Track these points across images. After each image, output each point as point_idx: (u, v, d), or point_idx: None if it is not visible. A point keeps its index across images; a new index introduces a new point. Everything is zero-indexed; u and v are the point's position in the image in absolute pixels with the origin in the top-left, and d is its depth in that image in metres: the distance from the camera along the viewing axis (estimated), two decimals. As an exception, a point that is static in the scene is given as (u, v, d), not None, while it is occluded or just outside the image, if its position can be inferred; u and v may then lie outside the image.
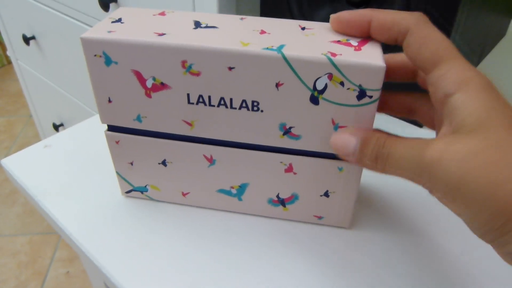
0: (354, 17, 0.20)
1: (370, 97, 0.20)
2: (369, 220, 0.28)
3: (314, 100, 0.21)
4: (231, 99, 0.22)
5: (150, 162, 0.26)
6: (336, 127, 0.22)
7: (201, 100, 0.22)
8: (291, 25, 0.23)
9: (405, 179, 0.18)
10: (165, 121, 0.24)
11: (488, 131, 0.15)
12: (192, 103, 0.22)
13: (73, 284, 1.04)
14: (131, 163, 0.26)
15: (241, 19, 0.23)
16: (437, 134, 0.20)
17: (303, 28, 0.23)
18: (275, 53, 0.20)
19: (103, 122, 0.25)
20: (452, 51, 0.17)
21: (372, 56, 0.20)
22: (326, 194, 0.25)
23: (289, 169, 0.24)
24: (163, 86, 0.22)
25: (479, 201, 0.15)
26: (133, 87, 0.23)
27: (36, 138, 1.50)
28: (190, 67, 0.21)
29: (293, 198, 0.26)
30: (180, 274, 0.24)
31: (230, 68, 0.21)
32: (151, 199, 0.28)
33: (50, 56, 0.92)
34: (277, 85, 0.21)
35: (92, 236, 0.26)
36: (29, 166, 0.32)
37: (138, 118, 0.24)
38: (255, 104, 0.22)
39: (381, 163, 0.19)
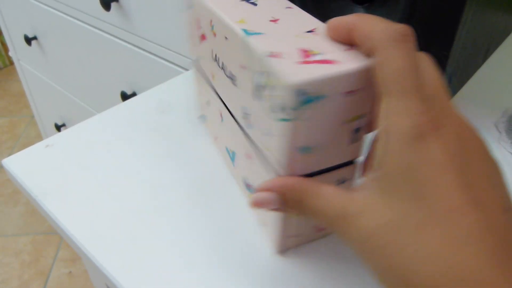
0: (339, 24, 0.18)
1: (288, 114, 0.18)
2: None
3: (256, 95, 0.21)
4: (223, 63, 0.25)
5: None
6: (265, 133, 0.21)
7: (215, 58, 0.26)
8: (303, 16, 0.22)
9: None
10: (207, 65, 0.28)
11: (392, 170, 0.14)
12: (214, 60, 0.26)
13: (75, 284, 1.04)
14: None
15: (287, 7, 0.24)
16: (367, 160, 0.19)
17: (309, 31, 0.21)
18: (245, 36, 0.21)
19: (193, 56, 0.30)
20: (397, 86, 0.15)
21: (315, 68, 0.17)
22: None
23: (250, 155, 0.24)
24: (203, 37, 0.27)
25: (383, 265, 0.14)
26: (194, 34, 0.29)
27: (39, 138, 1.50)
28: (213, 27, 0.25)
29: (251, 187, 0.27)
30: (184, 273, 0.24)
31: (226, 38, 0.23)
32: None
33: (52, 57, 0.92)
34: (241, 66, 0.22)
35: (94, 237, 0.26)
36: (30, 166, 0.32)
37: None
38: (233, 77, 0.24)
39: (300, 213, 0.18)
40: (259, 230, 0.26)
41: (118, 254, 0.25)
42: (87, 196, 0.29)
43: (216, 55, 0.25)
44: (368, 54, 0.17)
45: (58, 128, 1.08)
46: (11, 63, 1.90)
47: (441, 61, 0.32)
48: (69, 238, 0.27)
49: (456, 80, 0.37)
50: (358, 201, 0.15)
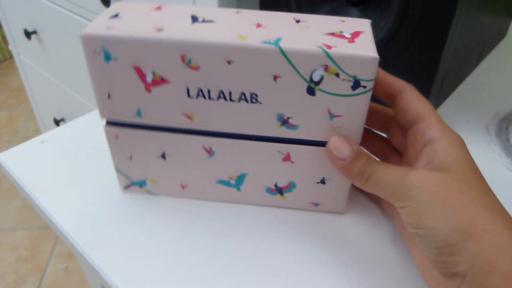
0: (392, 81, 0.24)
1: (364, 87, 0.21)
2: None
3: (311, 91, 0.22)
4: (230, 92, 0.22)
5: (150, 156, 0.26)
6: (332, 116, 0.23)
7: (200, 93, 0.23)
8: (286, 18, 0.23)
9: (380, 196, 0.22)
10: (165, 115, 0.24)
11: (461, 171, 0.20)
12: (192, 97, 0.23)
13: (72, 279, 1.04)
14: (130, 157, 0.26)
15: (237, 12, 0.24)
16: (404, 160, 0.25)
17: (297, 21, 0.23)
18: (272, 46, 0.21)
19: (102, 117, 0.25)
20: (433, 110, 0.23)
21: (365, 48, 0.21)
22: (323, 181, 0.26)
23: (287, 158, 0.25)
24: (162, 80, 0.22)
25: (446, 216, 0.19)
26: (133, 82, 0.23)
27: (37, 133, 1.50)
28: (189, 61, 0.21)
29: (291, 186, 0.26)
30: (180, 273, 0.24)
31: (229, 62, 0.21)
32: (150, 193, 0.28)
33: (52, 51, 0.92)
34: (275, 77, 0.21)
35: (88, 235, 0.26)
36: (25, 162, 0.32)
37: (138, 113, 0.24)
38: (254, 96, 0.22)
39: (364, 178, 0.22)
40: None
41: (112, 251, 0.25)
42: (82, 193, 0.29)
43: (199, 90, 0.22)
44: (391, 94, 0.24)
45: (57, 123, 1.09)
46: (11, 56, 1.90)
47: (433, 64, 0.32)
48: (64, 236, 0.27)
49: (448, 83, 0.38)
50: (423, 171, 0.21)
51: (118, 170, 0.27)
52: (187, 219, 0.27)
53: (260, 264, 0.24)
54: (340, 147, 0.23)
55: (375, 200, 0.29)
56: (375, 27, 0.33)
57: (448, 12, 0.29)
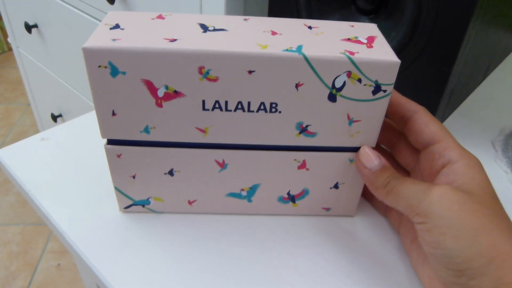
0: (405, 104, 0.25)
1: (384, 91, 0.22)
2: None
3: (332, 98, 0.22)
4: (249, 103, 0.22)
5: (155, 173, 0.25)
6: (351, 121, 0.23)
7: (217, 105, 0.22)
8: (297, 24, 0.23)
9: (396, 208, 0.22)
10: (176, 130, 0.23)
11: (482, 195, 0.20)
12: (207, 110, 0.22)
13: (63, 277, 1.03)
14: (133, 176, 0.25)
15: (245, 20, 0.23)
16: (412, 175, 0.26)
17: (309, 27, 0.23)
18: (296, 54, 0.20)
19: (104, 136, 0.23)
20: (449, 133, 0.23)
21: (385, 53, 0.21)
22: (336, 186, 0.26)
23: (302, 165, 0.25)
24: (176, 94, 0.21)
25: (469, 237, 0.18)
26: (142, 98, 0.21)
27: (34, 127, 1.49)
28: (207, 72, 0.20)
29: (304, 193, 0.26)
30: (181, 275, 0.24)
31: (250, 72, 0.21)
32: (153, 211, 0.27)
33: (52, 46, 0.91)
34: (297, 85, 0.21)
35: (86, 235, 0.26)
36: (24, 159, 0.31)
37: (146, 130, 0.23)
38: (274, 105, 0.22)
39: (387, 189, 0.22)
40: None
41: (110, 252, 0.25)
42: (81, 194, 0.29)
43: (216, 102, 0.22)
44: (404, 115, 0.24)
45: (55, 118, 1.07)
46: (9, 49, 1.89)
47: (443, 77, 0.32)
48: (61, 235, 0.26)
49: (456, 96, 0.37)
50: (446, 187, 0.21)
51: (118, 190, 0.26)
52: (191, 228, 0.27)
53: (268, 274, 0.24)
54: (370, 156, 0.23)
55: (382, 212, 0.28)
56: (385, 37, 0.33)
57: (462, 25, 0.29)
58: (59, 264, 1.06)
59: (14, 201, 1.22)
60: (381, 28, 0.33)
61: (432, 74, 0.32)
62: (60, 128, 0.35)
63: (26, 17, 0.94)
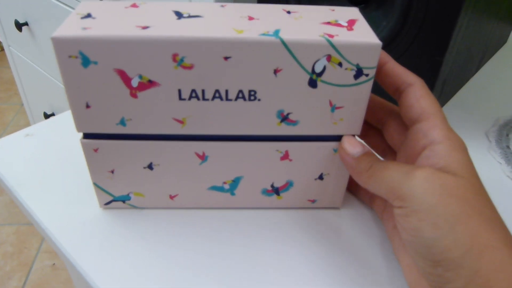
0: (403, 73, 0.23)
1: (367, 75, 0.21)
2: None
3: (313, 83, 0.21)
4: (226, 91, 0.21)
5: (134, 168, 0.24)
6: (333, 108, 0.22)
7: (193, 95, 0.21)
8: (276, 9, 0.23)
9: (379, 194, 0.21)
10: (153, 122, 0.22)
11: (467, 178, 0.19)
12: (184, 99, 0.21)
13: (58, 277, 1.02)
14: (112, 171, 0.24)
15: (222, 6, 0.23)
16: (398, 160, 0.24)
17: (288, 12, 0.22)
18: (273, 38, 0.19)
19: (79, 130, 0.22)
20: (440, 110, 0.21)
21: (366, 35, 0.20)
22: (321, 177, 0.25)
23: (285, 156, 0.24)
24: (151, 83, 0.20)
25: (448, 225, 0.17)
26: (116, 88, 0.21)
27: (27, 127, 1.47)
28: (182, 60, 0.20)
29: (288, 185, 0.25)
30: (170, 276, 0.23)
31: (226, 58, 0.20)
32: (134, 207, 0.27)
33: (43, 44, 0.90)
34: (275, 71, 0.20)
35: (68, 232, 0.25)
36: (8, 155, 0.31)
37: (122, 122, 0.22)
38: (252, 93, 0.21)
39: (369, 173, 0.21)
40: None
41: (92, 250, 0.24)
42: (64, 190, 0.28)
43: (193, 91, 0.21)
44: (398, 87, 0.22)
45: (47, 117, 1.06)
46: (2, 49, 1.87)
47: (435, 66, 0.31)
48: (45, 233, 0.26)
49: (449, 87, 0.37)
50: (428, 169, 0.20)
51: (97, 186, 0.25)
52: (175, 225, 0.26)
53: (258, 267, 0.23)
54: (353, 142, 0.23)
55: (367, 202, 0.28)
56: (376, 27, 0.32)
57: (452, 14, 0.29)
58: (53, 264, 1.05)
59: (9, 201, 1.21)
60: (372, 17, 0.32)
61: (423, 64, 0.31)
62: (45, 123, 0.34)
63: (16, 15, 0.93)
